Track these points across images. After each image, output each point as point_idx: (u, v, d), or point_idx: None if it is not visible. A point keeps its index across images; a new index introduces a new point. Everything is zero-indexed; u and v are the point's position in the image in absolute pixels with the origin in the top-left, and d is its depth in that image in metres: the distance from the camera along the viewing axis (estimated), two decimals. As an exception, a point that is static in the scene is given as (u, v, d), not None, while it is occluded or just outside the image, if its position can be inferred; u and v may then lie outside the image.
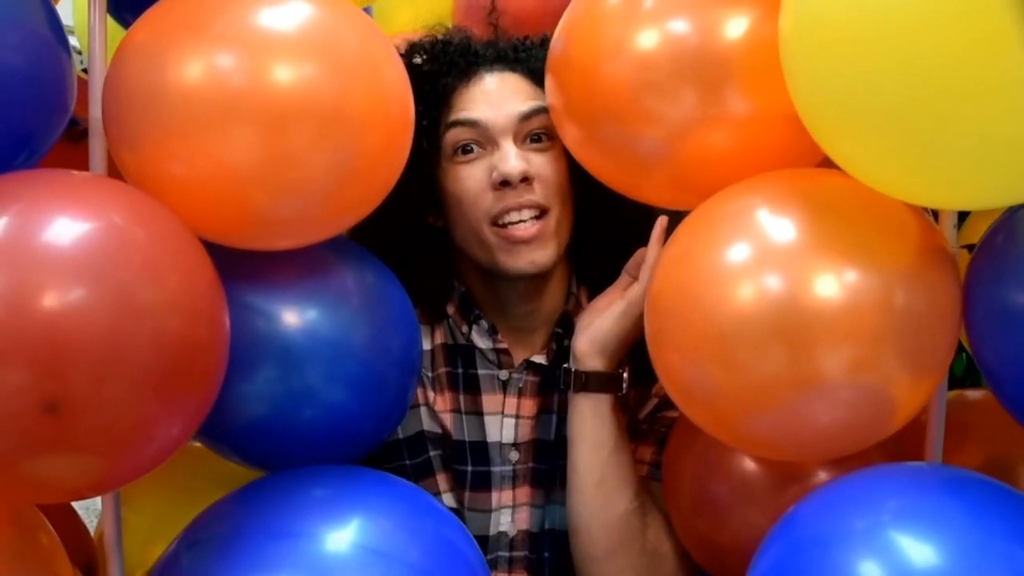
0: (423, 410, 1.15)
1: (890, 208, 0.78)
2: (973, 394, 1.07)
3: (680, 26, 0.84)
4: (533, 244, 1.07)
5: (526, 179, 1.06)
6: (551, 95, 0.98)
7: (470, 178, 1.08)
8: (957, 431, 0.91)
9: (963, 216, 1.15)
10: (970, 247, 0.83)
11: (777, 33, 0.76)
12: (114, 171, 0.84)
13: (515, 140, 1.08)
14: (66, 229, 0.70)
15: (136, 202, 0.76)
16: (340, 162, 0.81)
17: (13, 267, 0.67)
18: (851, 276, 0.74)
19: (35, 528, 0.82)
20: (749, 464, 0.94)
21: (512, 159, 1.06)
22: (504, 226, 1.07)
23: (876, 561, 0.69)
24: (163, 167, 0.78)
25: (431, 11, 1.58)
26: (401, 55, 1.04)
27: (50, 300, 0.67)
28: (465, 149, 1.09)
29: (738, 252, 0.78)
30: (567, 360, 1.13)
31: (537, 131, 1.08)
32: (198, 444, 0.95)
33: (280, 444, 0.90)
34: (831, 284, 0.74)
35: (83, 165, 0.86)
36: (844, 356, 0.75)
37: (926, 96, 0.63)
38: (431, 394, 1.16)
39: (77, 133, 0.88)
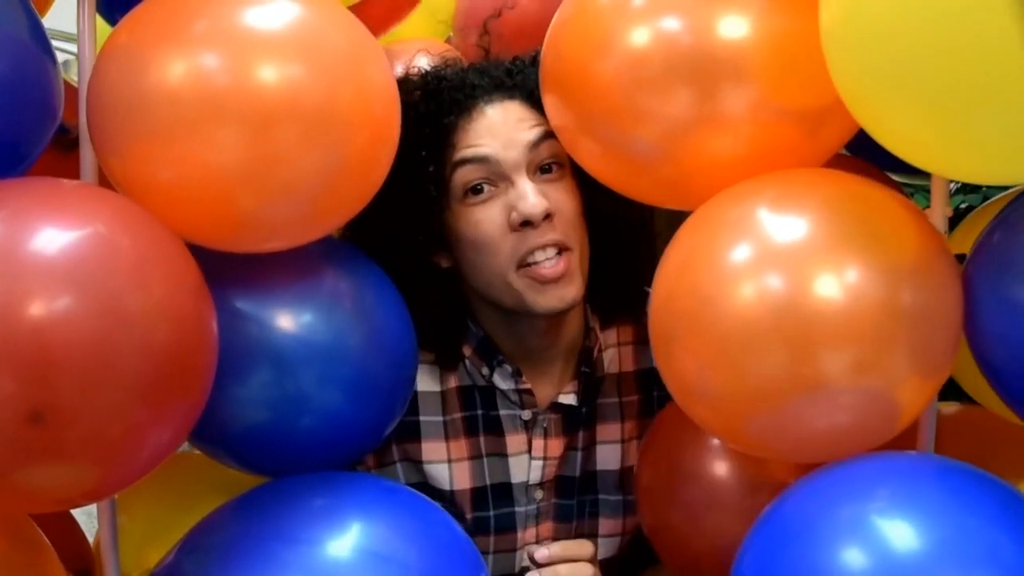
0: (427, 467, 1.13)
1: (891, 207, 0.78)
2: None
3: (673, 23, 0.82)
4: (561, 282, 1.04)
5: (547, 216, 1.02)
6: (545, 92, 0.95)
7: (487, 221, 1.03)
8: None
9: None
10: (960, 256, 0.82)
11: (773, 30, 0.76)
12: (105, 178, 0.84)
13: (528, 173, 1.03)
14: (51, 237, 0.70)
15: (120, 209, 0.76)
16: (327, 162, 0.80)
17: (-3, 275, 0.67)
18: (861, 276, 0.74)
19: (28, 537, 0.82)
20: (720, 469, 0.95)
21: (531, 196, 1.01)
22: (529, 265, 1.03)
23: (860, 548, 0.70)
24: (148, 171, 0.78)
25: (432, 18, 1.59)
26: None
27: (36, 309, 0.67)
28: (476, 189, 1.04)
29: (749, 254, 0.77)
30: (594, 398, 1.14)
31: (547, 161, 1.04)
32: (191, 449, 0.95)
33: (275, 448, 0.90)
34: (840, 284, 0.74)
35: (75, 175, 0.86)
36: (853, 357, 0.74)
37: (970, 78, 0.64)
38: (441, 444, 1.13)
39: (68, 142, 0.88)
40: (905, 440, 0.84)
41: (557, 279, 1.03)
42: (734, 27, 0.81)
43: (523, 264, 1.03)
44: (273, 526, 0.83)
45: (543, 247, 1.02)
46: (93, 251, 0.71)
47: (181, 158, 0.77)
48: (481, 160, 1.03)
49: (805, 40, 0.77)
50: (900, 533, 0.70)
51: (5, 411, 0.66)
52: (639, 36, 0.83)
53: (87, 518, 1.07)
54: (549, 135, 1.02)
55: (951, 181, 0.96)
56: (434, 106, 1.06)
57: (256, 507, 0.87)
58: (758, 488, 0.92)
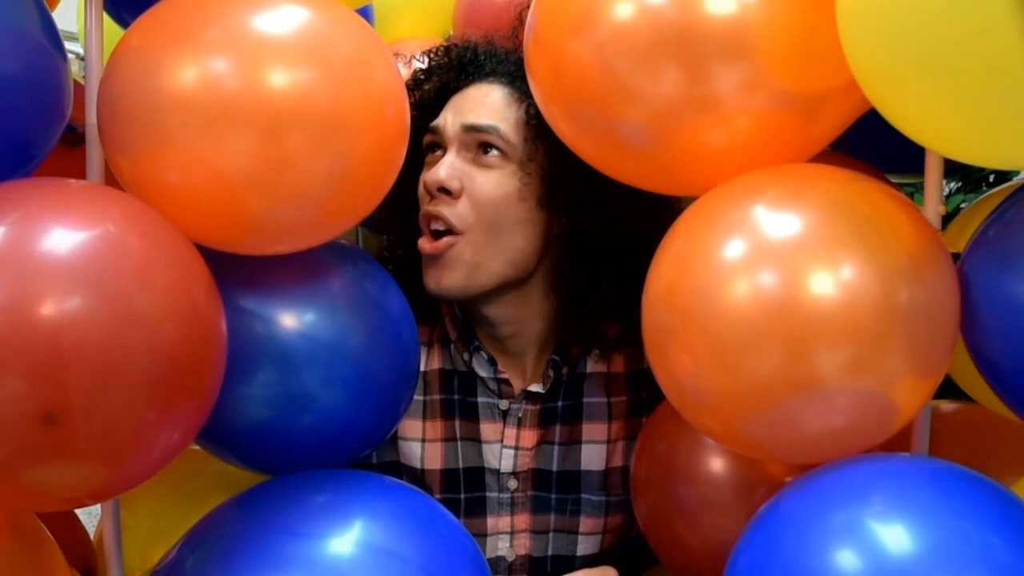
0: (401, 443, 1.15)
1: (888, 204, 0.78)
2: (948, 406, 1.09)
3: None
4: (439, 263, 1.06)
5: (448, 191, 1.05)
6: (528, 74, 0.92)
7: (422, 180, 1.10)
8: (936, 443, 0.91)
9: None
10: (953, 255, 0.82)
11: (772, 5, 0.75)
12: (111, 178, 0.84)
13: (460, 149, 1.07)
14: (61, 238, 0.70)
15: (131, 209, 0.76)
16: (336, 167, 0.80)
17: (10, 276, 0.67)
18: (858, 273, 0.73)
19: (32, 532, 0.82)
20: (717, 467, 0.95)
21: (441, 168, 1.05)
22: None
23: (855, 551, 0.70)
24: (158, 173, 0.78)
25: (432, 18, 1.60)
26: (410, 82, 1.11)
27: (48, 309, 0.67)
28: (431, 148, 1.11)
29: (745, 251, 0.76)
30: (565, 388, 1.14)
31: (488, 144, 1.07)
32: (195, 447, 0.95)
33: (278, 447, 0.90)
34: (836, 281, 0.73)
35: (80, 170, 0.86)
36: (850, 355, 0.74)
37: (994, 56, 0.63)
38: (418, 423, 1.15)
39: (73, 138, 0.88)
40: (900, 439, 0.84)
41: (434, 257, 1.06)
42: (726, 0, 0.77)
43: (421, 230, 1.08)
44: (275, 521, 0.84)
45: (434, 218, 1.05)
46: (104, 252, 0.71)
47: (191, 162, 0.77)
48: (432, 129, 1.09)
49: (805, 17, 0.76)
50: (894, 536, 0.70)
51: (18, 412, 0.66)
52: (623, 9, 0.80)
53: (87, 516, 1.08)
54: (494, 130, 1.05)
55: (950, 182, 0.95)
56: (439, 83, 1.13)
57: (258, 503, 0.88)
58: (755, 486, 0.93)
